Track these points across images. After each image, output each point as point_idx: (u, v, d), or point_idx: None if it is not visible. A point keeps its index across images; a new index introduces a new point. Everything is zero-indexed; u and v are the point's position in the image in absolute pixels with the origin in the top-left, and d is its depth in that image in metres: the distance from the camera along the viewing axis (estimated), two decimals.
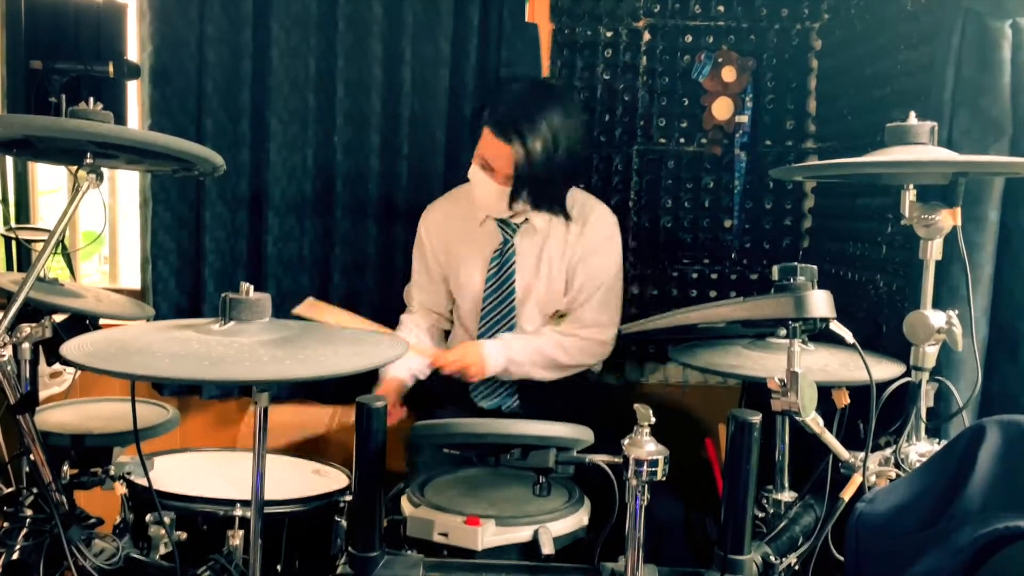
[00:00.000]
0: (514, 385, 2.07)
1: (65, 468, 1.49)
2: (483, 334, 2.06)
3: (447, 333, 2.23)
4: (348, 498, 1.57)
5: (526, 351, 2.00)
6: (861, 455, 1.30)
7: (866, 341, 1.29)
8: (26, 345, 1.44)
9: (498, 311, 2.06)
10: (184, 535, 1.48)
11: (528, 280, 2.05)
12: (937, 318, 1.35)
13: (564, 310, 2.07)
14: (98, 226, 1.83)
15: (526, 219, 2.04)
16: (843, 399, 1.38)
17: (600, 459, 1.21)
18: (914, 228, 1.37)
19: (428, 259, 2.14)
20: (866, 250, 1.98)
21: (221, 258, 2.34)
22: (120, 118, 2.19)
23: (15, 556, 1.40)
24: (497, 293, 2.06)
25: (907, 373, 1.42)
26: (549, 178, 1.94)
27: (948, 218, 1.33)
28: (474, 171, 1.98)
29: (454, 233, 2.11)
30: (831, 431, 1.30)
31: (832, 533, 1.31)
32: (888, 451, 1.37)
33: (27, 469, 1.44)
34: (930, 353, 1.38)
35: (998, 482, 0.99)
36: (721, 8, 2.35)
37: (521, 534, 1.39)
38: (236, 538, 1.44)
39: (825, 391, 1.32)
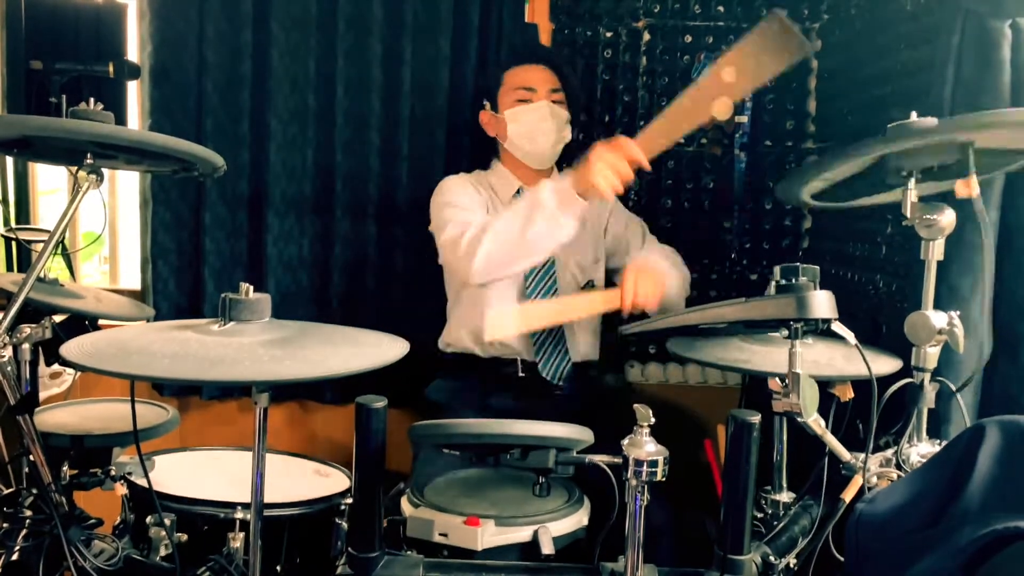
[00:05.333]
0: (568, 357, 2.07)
1: (65, 469, 1.49)
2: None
3: None
4: (349, 500, 1.57)
5: (663, 254, 2.08)
6: (862, 456, 1.30)
7: (866, 341, 1.29)
8: (26, 346, 1.44)
9: (540, 287, 2.05)
10: (184, 536, 1.48)
11: (566, 250, 2.04)
12: (938, 319, 1.35)
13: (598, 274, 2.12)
14: (98, 226, 1.83)
15: None
16: (847, 393, 1.38)
17: (600, 459, 1.21)
18: (915, 228, 1.37)
19: (474, 196, 2.07)
20: (866, 250, 1.98)
21: (221, 258, 2.34)
22: (120, 118, 2.18)
23: (15, 557, 1.40)
24: (536, 270, 2.05)
25: (907, 370, 1.41)
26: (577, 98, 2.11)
27: (963, 188, 1.26)
28: (515, 110, 2.02)
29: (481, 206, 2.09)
30: (834, 426, 1.30)
31: (832, 533, 1.31)
32: (889, 452, 1.37)
33: (27, 470, 1.44)
34: (931, 354, 1.38)
35: (998, 482, 0.99)
36: (721, 8, 2.35)
37: (521, 534, 1.39)
38: (236, 539, 1.43)
39: (827, 385, 1.32)
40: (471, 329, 2.10)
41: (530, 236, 1.76)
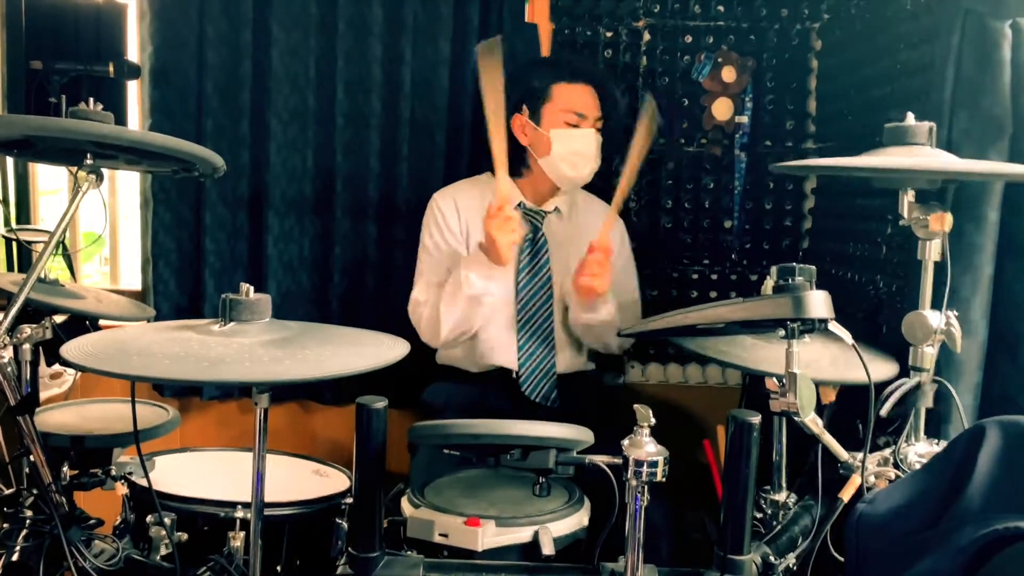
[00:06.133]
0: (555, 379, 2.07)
1: (65, 469, 1.49)
2: (523, 326, 2.04)
3: None
4: (349, 500, 1.57)
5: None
6: (859, 455, 1.30)
7: (865, 341, 1.29)
8: (26, 346, 1.44)
9: (535, 302, 2.05)
10: (185, 536, 1.48)
11: (562, 269, 2.06)
12: (936, 319, 1.35)
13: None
14: (98, 227, 1.83)
15: (556, 207, 2.09)
16: (829, 395, 1.38)
17: (600, 460, 1.21)
18: (913, 229, 1.37)
19: (460, 236, 2.08)
20: (866, 250, 1.98)
21: (221, 259, 2.34)
22: (120, 118, 2.19)
23: (15, 557, 1.40)
24: (532, 283, 2.04)
25: (903, 372, 1.41)
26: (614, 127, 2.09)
27: (936, 223, 1.33)
28: (565, 131, 1.99)
29: (476, 222, 2.08)
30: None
31: (832, 533, 1.31)
32: (887, 452, 1.37)
33: (27, 470, 1.44)
34: (929, 354, 1.38)
35: (998, 483, 0.99)
36: (721, 8, 2.35)
37: (521, 535, 1.39)
38: (237, 539, 1.43)
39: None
40: (465, 348, 2.10)
41: (472, 293, 1.92)
